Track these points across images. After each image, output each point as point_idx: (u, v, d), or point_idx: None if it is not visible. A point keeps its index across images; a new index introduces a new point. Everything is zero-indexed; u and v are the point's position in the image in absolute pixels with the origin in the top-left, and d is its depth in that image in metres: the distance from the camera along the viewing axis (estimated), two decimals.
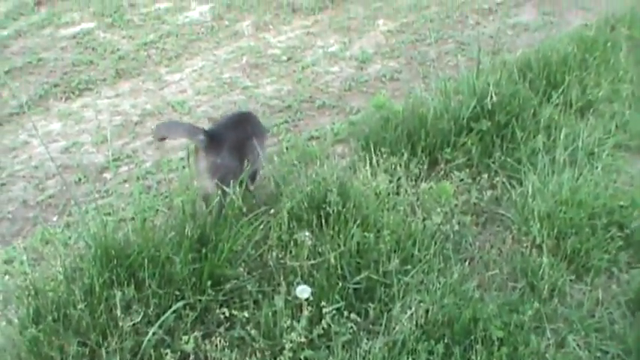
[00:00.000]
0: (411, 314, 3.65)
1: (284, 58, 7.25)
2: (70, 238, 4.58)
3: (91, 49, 7.37)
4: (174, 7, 8.30)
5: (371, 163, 4.78)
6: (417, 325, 3.64)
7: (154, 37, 7.60)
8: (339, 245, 3.99)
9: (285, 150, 5.47)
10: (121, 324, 3.52)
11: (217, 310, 3.73)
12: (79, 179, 5.34)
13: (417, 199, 4.65)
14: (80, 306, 3.55)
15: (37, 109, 6.32)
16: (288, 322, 3.58)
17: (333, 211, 4.11)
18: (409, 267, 4.03)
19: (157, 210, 4.77)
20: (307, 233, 3.95)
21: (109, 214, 4.73)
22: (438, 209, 4.45)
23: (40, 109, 6.32)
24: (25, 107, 6.31)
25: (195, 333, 3.59)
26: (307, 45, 7.53)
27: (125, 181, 5.27)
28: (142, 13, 8.16)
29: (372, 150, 4.88)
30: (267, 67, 7.04)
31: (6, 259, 4.49)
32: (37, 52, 7.31)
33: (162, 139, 4.67)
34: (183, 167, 5.26)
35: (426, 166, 4.95)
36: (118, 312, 3.52)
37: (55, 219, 4.96)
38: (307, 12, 8.32)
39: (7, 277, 4.28)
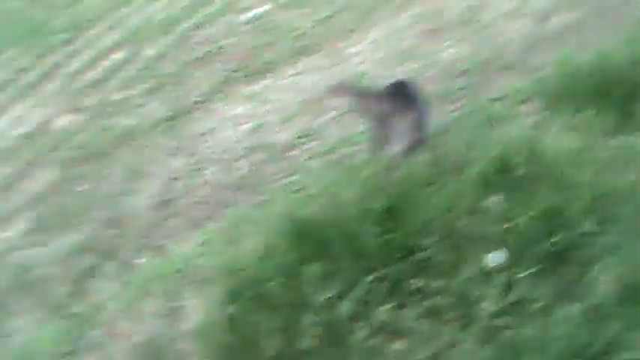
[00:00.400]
0: (610, 277, 3.45)
1: (461, 20, 7.06)
2: (260, 217, 4.68)
3: (269, 30, 7.50)
4: None
5: (559, 121, 4.57)
6: (617, 288, 3.44)
7: (329, 12, 7.62)
8: (530, 208, 3.84)
9: (468, 113, 5.33)
10: (314, 298, 3.56)
11: (409, 281, 3.69)
12: (267, 159, 5.45)
13: (611, 156, 4.39)
14: (274, 282, 3.63)
15: (222, 94, 6.51)
16: (481, 289, 3.49)
17: (523, 172, 3.96)
18: (606, 227, 3.82)
19: (342, 184, 4.79)
20: (497, 198, 3.83)
21: (297, 190, 4.79)
22: (633, 165, 4.18)
23: (225, 95, 6.52)
24: (210, 94, 6.52)
25: (388, 305, 3.57)
26: (484, 4, 7.29)
27: (311, 157, 5.33)
28: None
29: (559, 107, 4.66)
30: (444, 31, 6.89)
31: (203, 241, 4.66)
32: (217, 40, 7.54)
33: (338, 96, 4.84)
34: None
35: (618, 120, 4.67)
36: (312, 287, 3.57)
37: (246, 199, 5.09)
38: None
39: (203, 258, 4.44)
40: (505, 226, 3.80)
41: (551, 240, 3.73)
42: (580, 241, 3.74)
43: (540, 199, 3.87)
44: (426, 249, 3.81)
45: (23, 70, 7.89)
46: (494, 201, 3.83)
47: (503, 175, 4.06)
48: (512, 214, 3.83)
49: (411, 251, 3.80)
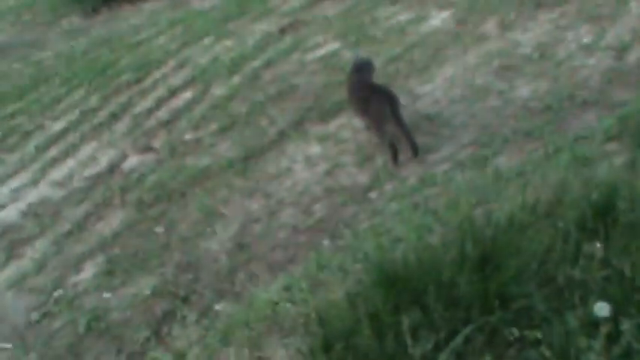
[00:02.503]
0: None
1: (535, 55, 6.93)
2: (344, 262, 4.56)
3: (339, 69, 7.44)
4: (415, 18, 8.21)
5: None
6: None
7: (400, 49, 7.55)
8: (631, 254, 3.67)
9: (553, 152, 5.18)
10: (410, 351, 3.43)
11: (506, 331, 3.54)
12: (345, 201, 5.36)
13: None
14: (366, 333, 3.50)
15: (295, 134, 6.45)
16: (585, 341, 3.33)
17: (623, 217, 3.79)
18: None
19: (429, 227, 4.66)
20: (598, 244, 3.67)
21: (381, 234, 4.68)
22: None
23: (298, 134, 6.46)
24: (283, 134, 6.47)
25: (486, 356, 3.42)
26: (558, 39, 7.16)
27: (391, 199, 5.22)
28: (385, 28, 8.15)
29: None
30: (519, 68, 6.76)
31: (285, 286, 4.55)
32: (287, 78, 7.51)
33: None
34: (449, 181, 5.13)
35: None
36: (407, 339, 3.43)
37: (326, 243, 4.99)
38: (552, 4, 7.91)
39: (288, 304, 4.32)
40: (607, 273, 3.63)
41: None
42: None
43: None
44: (524, 297, 3.66)
45: (92, 110, 7.93)
46: (594, 247, 3.65)
47: (602, 219, 3.89)
48: (615, 261, 3.66)
49: (509, 300, 3.65)
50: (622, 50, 6.70)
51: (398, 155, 5.72)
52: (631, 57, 6.56)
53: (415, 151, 5.67)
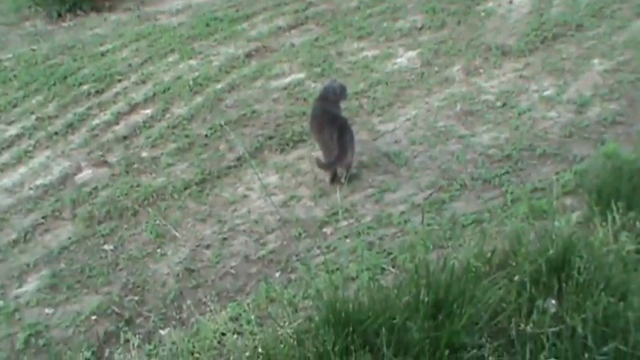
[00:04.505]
0: None
1: (498, 103, 6.98)
2: (294, 296, 4.51)
3: (303, 99, 7.42)
4: (381, 55, 8.22)
5: (608, 220, 4.43)
6: None
7: (365, 85, 7.55)
8: (584, 312, 3.69)
9: (511, 203, 5.21)
10: None
11: None
12: (300, 234, 5.32)
13: None
14: None
15: (254, 161, 6.40)
16: None
17: (577, 274, 3.80)
18: None
19: (383, 268, 4.64)
20: (553, 301, 3.68)
21: (333, 271, 4.64)
22: None
23: (257, 162, 6.41)
24: (242, 160, 6.42)
25: None
26: (521, 89, 7.23)
27: (346, 236, 5.18)
28: (350, 62, 8.13)
29: (607, 204, 4.53)
30: (481, 114, 6.81)
31: (232, 316, 4.49)
32: (250, 104, 7.45)
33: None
34: (405, 222, 5.12)
35: None
36: None
37: (277, 275, 4.95)
38: (517, 54, 7.99)
39: (235, 336, 4.25)
40: (557, 328, 3.64)
41: (605, 347, 3.59)
42: (634, 351, 3.58)
43: (595, 303, 3.72)
44: (475, 348, 3.65)
45: (49, 118, 7.77)
46: (549, 304, 3.66)
47: (557, 275, 3.91)
48: (567, 318, 3.67)
49: (460, 349, 3.64)
50: (582, 105, 6.79)
51: (336, 178, 5.96)
52: (591, 112, 6.65)
53: (347, 179, 5.87)
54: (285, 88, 7.70)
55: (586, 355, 3.53)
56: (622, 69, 7.45)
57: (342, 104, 6.43)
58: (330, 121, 5.92)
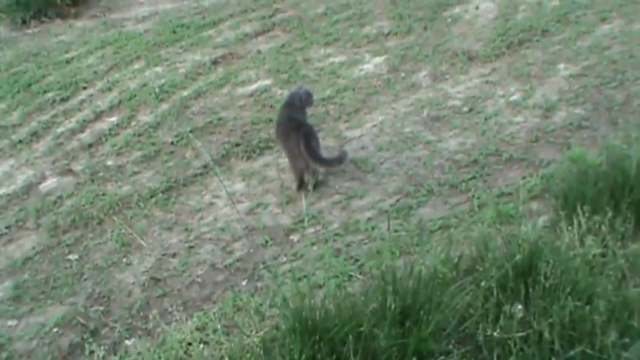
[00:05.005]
0: None
1: (465, 109, 7.00)
2: (261, 305, 4.47)
3: (269, 106, 7.39)
4: (348, 61, 8.22)
5: (574, 224, 4.44)
6: None
7: (331, 92, 7.53)
8: (550, 316, 3.69)
9: (476, 208, 5.21)
10: None
11: None
12: (266, 242, 5.28)
13: (627, 262, 4.27)
14: None
15: (220, 168, 6.36)
16: None
17: (544, 278, 3.80)
18: (627, 340, 3.67)
19: (350, 275, 4.62)
20: (520, 306, 3.67)
21: (300, 279, 4.61)
22: None
23: (223, 169, 6.37)
24: (208, 167, 6.37)
25: None
26: (487, 94, 7.25)
27: (313, 243, 5.15)
28: (317, 68, 8.12)
29: (573, 208, 4.54)
30: (448, 120, 6.81)
31: (198, 326, 4.43)
32: (216, 111, 7.41)
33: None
34: (373, 228, 5.10)
35: (632, 225, 4.55)
36: None
37: (244, 283, 4.91)
38: (484, 59, 8.02)
39: (201, 345, 4.21)
40: (524, 333, 3.64)
41: (572, 351, 3.59)
42: (600, 354, 3.59)
43: (561, 307, 3.72)
44: (442, 354, 3.64)
45: (13, 126, 7.68)
46: (517, 309, 3.66)
47: (524, 280, 3.91)
48: (534, 322, 3.67)
49: (427, 356, 3.62)
50: (548, 110, 6.81)
51: (303, 185, 5.95)
52: (557, 117, 6.68)
53: (314, 186, 5.92)
54: (252, 95, 7.66)
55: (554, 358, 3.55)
56: (587, 74, 7.49)
57: (309, 111, 6.40)
58: (296, 128, 5.90)
